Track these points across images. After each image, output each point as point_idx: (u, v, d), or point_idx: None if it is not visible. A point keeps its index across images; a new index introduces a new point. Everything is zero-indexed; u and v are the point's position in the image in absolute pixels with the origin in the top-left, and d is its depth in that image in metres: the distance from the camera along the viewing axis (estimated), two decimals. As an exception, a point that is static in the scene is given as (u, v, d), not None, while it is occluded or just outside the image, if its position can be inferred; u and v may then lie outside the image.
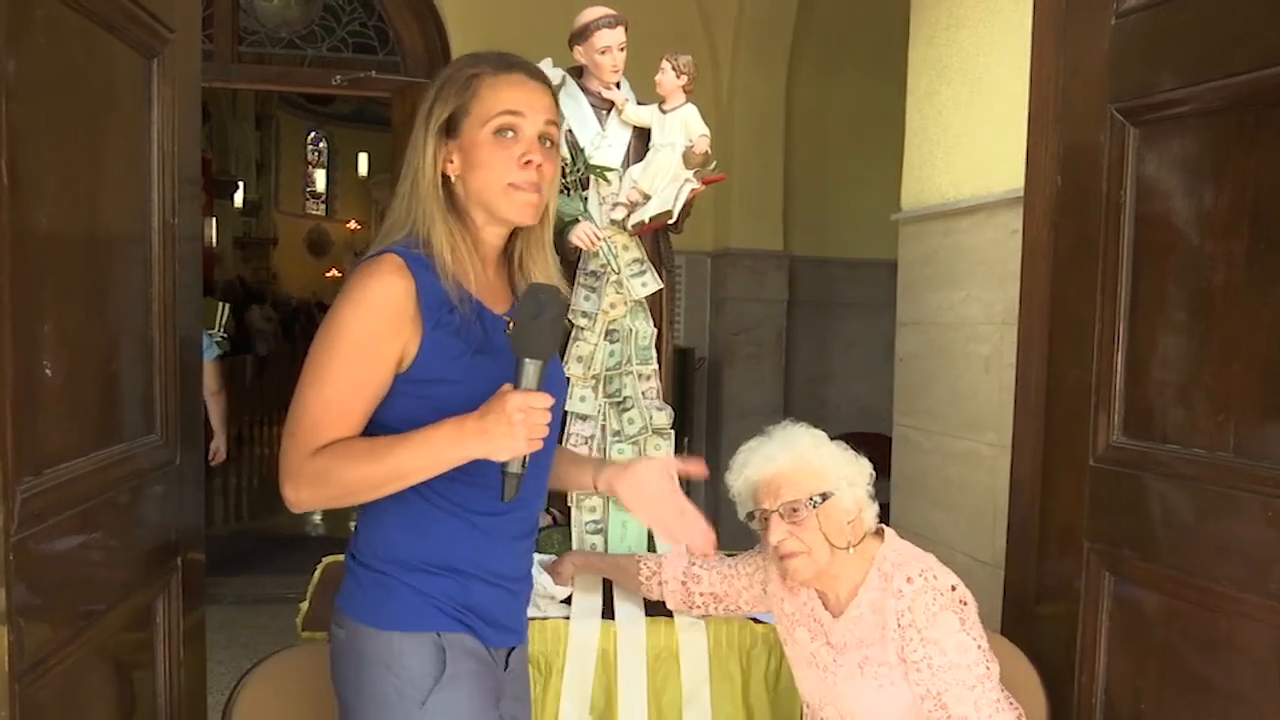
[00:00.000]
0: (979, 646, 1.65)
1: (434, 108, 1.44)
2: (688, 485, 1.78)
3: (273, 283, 15.87)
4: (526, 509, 1.52)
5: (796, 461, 1.74)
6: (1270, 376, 1.66)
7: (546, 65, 2.01)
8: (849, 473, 1.75)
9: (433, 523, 1.43)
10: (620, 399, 2.32)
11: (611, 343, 2.32)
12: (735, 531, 1.95)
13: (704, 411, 5.52)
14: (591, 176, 2.32)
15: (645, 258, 2.34)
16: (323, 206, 18.67)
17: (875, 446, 2.18)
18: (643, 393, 2.34)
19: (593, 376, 2.31)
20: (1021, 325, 2.23)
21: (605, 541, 2.29)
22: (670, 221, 2.31)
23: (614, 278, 2.30)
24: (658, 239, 2.42)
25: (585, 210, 2.30)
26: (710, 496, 5.39)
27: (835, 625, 1.76)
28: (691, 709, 2.05)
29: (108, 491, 1.60)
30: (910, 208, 2.88)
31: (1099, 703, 1.99)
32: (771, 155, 5.42)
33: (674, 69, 2.29)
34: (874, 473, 1.80)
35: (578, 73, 2.36)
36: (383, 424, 1.39)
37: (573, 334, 2.31)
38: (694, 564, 2.01)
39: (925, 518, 2.73)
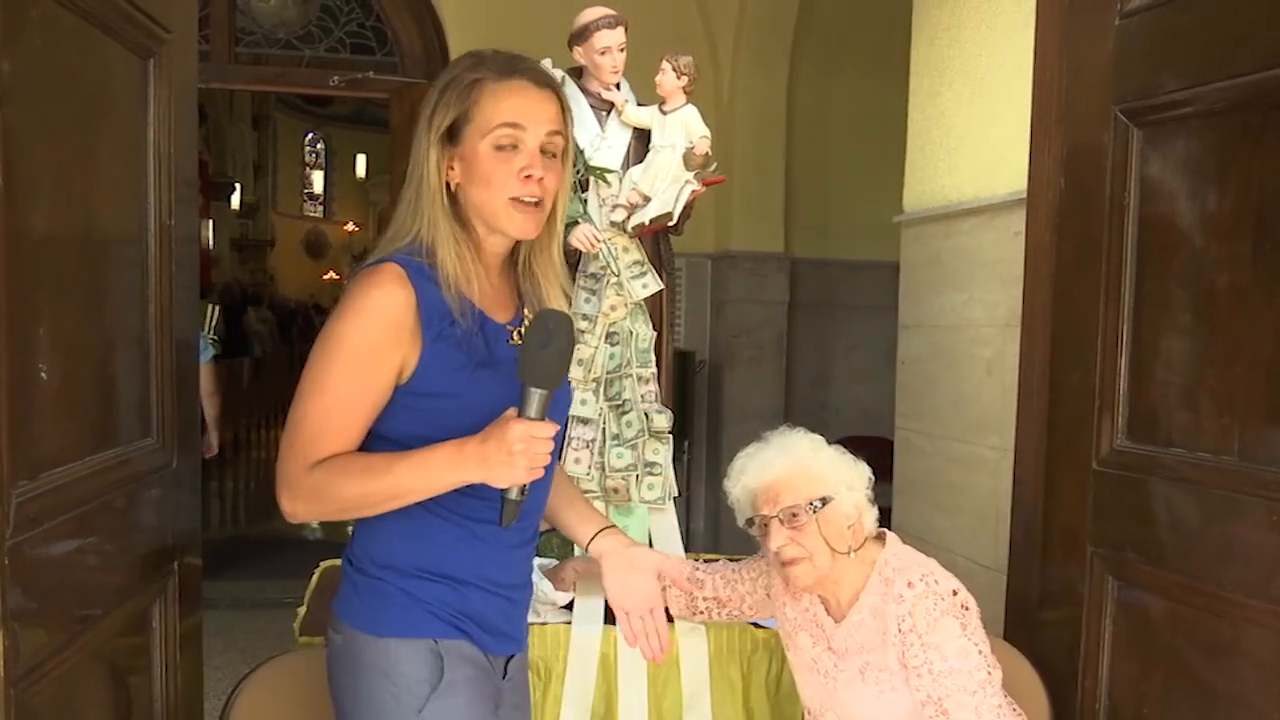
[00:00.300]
0: (980, 652, 1.64)
1: (436, 113, 1.42)
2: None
3: (270, 285, 15.85)
4: (527, 519, 1.50)
5: (795, 466, 1.73)
6: (1275, 379, 1.65)
7: (546, 66, 1.99)
8: (848, 477, 1.74)
9: (432, 530, 1.42)
10: (620, 402, 2.31)
11: (611, 345, 2.31)
12: (736, 536, 1.94)
13: (704, 414, 5.51)
14: (591, 178, 2.31)
15: (645, 260, 2.33)
16: (320, 208, 18.63)
17: (877, 450, 2.17)
18: (642, 396, 2.32)
19: (593, 379, 2.30)
20: (1024, 328, 2.22)
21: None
22: (670, 223, 2.30)
23: (614, 280, 2.29)
24: (658, 241, 2.41)
25: (585, 212, 2.29)
26: (710, 501, 5.42)
27: (837, 631, 1.75)
28: (692, 714, 2.04)
29: (104, 495, 1.59)
30: (912, 209, 2.87)
31: (1102, 708, 1.98)
32: (772, 156, 5.42)
33: (674, 70, 2.29)
34: (873, 476, 1.79)
35: (577, 73, 2.35)
36: (383, 436, 1.38)
37: (572, 337, 2.30)
38: (697, 569, 2.00)
39: (927, 522, 2.72)
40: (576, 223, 2.23)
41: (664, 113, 2.30)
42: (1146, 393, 1.90)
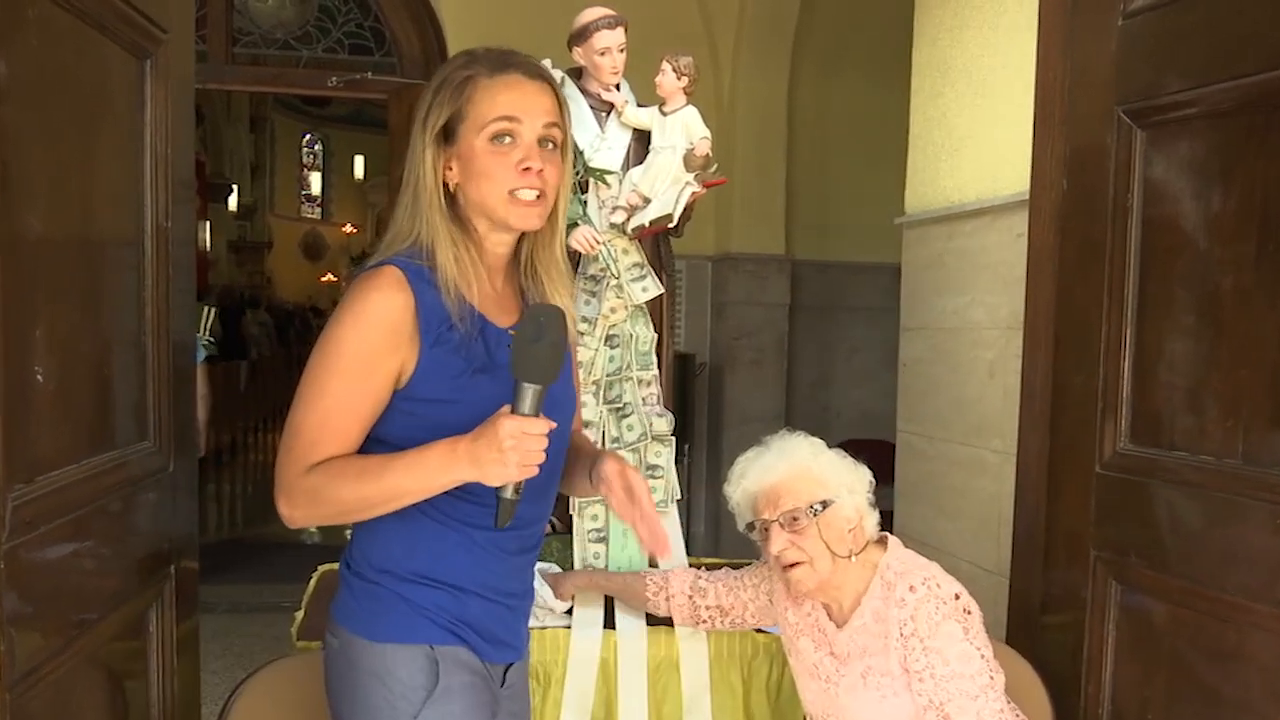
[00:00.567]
0: (983, 656, 1.63)
1: (430, 114, 1.40)
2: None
3: (267, 287, 15.83)
4: (528, 527, 1.49)
5: (795, 470, 1.72)
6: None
7: (546, 66, 1.99)
8: (849, 480, 1.73)
9: (429, 536, 1.41)
10: (620, 405, 2.30)
11: (611, 348, 2.30)
12: (737, 540, 1.93)
13: (705, 417, 5.50)
14: (591, 179, 2.30)
15: (645, 262, 2.32)
16: (318, 210, 18.62)
17: (878, 453, 2.17)
18: (643, 399, 2.32)
19: (593, 382, 2.29)
20: (1027, 330, 2.22)
21: (607, 550, 2.27)
22: (671, 225, 2.29)
23: (614, 282, 2.28)
24: (658, 243, 2.40)
25: (584, 214, 2.28)
26: (711, 505, 5.40)
27: (839, 636, 1.74)
28: (692, 719, 2.02)
29: (100, 499, 1.58)
30: (914, 211, 2.86)
31: (1105, 713, 1.97)
32: (773, 158, 5.41)
33: (674, 70, 2.28)
34: (875, 480, 1.78)
35: (577, 74, 2.34)
36: (381, 440, 1.37)
37: (572, 339, 2.29)
38: (700, 578, 1.99)
39: (929, 525, 2.71)
40: (576, 224, 2.22)
41: (664, 114, 2.29)
42: (1150, 395, 1.89)
